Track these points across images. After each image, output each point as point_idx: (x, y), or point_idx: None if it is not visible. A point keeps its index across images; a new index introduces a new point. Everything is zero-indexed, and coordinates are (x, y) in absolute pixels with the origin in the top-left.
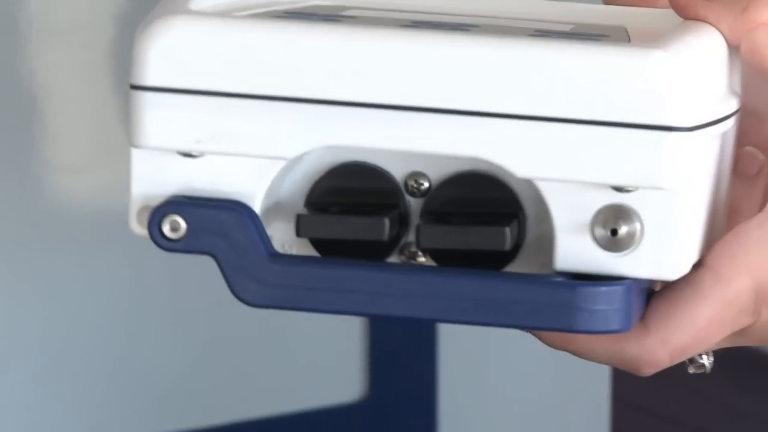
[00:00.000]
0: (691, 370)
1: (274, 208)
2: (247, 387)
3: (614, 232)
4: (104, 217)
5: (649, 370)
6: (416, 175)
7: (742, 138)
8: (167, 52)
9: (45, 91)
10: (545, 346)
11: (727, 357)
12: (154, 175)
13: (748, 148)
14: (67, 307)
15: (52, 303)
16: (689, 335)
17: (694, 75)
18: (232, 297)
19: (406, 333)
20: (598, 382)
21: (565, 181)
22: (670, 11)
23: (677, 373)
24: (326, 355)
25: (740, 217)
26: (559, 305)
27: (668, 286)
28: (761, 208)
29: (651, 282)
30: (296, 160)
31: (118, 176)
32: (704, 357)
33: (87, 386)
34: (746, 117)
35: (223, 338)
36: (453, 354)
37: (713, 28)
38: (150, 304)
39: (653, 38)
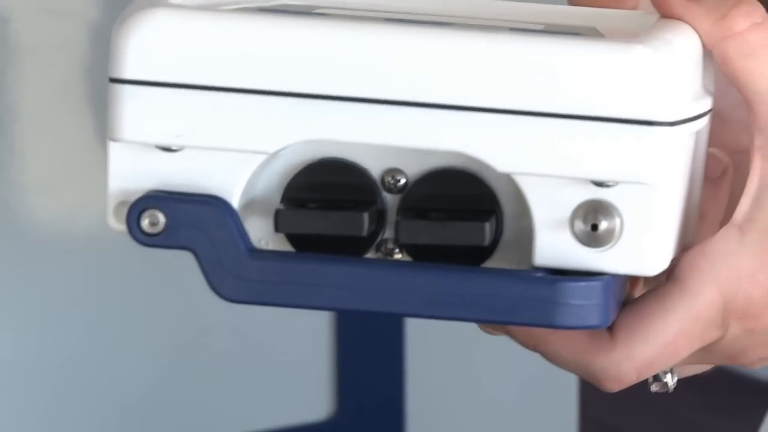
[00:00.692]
0: (654, 388)
1: (251, 203)
2: (214, 406)
3: (594, 227)
4: (72, 236)
5: (613, 386)
6: (393, 172)
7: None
8: (146, 44)
9: (11, 110)
10: (513, 368)
11: (696, 376)
12: (132, 170)
13: (713, 150)
14: (34, 328)
15: (19, 323)
16: (656, 350)
17: (675, 70)
18: (200, 316)
19: (374, 351)
20: (566, 401)
21: (545, 176)
22: (639, 12)
23: (646, 392)
24: (294, 374)
25: (705, 220)
26: (538, 300)
27: (637, 300)
28: (726, 211)
29: (628, 279)
30: (274, 155)
31: (86, 196)
32: (667, 375)
33: (53, 405)
34: (712, 119)
35: (191, 357)
36: (421, 373)
37: (689, 27)
38: (117, 324)
39: (630, 36)
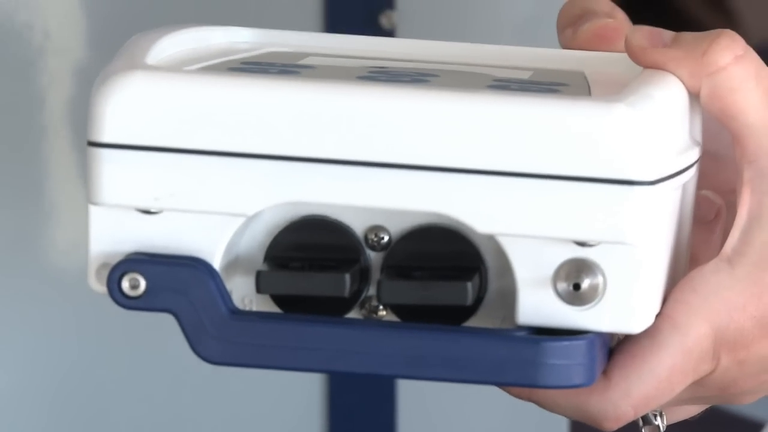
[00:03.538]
0: (645, 431)
1: (234, 262)
2: None
3: (577, 286)
4: (78, 272)
5: (612, 425)
6: (376, 229)
7: (699, 181)
8: (124, 108)
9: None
10: (506, 407)
11: (699, 419)
12: (112, 233)
13: (705, 193)
14: (43, 359)
15: (33, 353)
16: (651, 386)
17: (656, 127)
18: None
19: (365, 385)
20: None
21: (526, 236)
22: (627, 55)
23: None
24: (285, 406)
25: (697, 263)
26: (522, 361)
27: (628, 338)
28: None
29: (612, 336)
30: (255, 216)
31: (82, 235)
32: (657, 418)
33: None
34: (704, 160)
35: (184, 391)
36: (412, 405)
37: (673, 76)
38: (125, 357)
39: (613, 87)
